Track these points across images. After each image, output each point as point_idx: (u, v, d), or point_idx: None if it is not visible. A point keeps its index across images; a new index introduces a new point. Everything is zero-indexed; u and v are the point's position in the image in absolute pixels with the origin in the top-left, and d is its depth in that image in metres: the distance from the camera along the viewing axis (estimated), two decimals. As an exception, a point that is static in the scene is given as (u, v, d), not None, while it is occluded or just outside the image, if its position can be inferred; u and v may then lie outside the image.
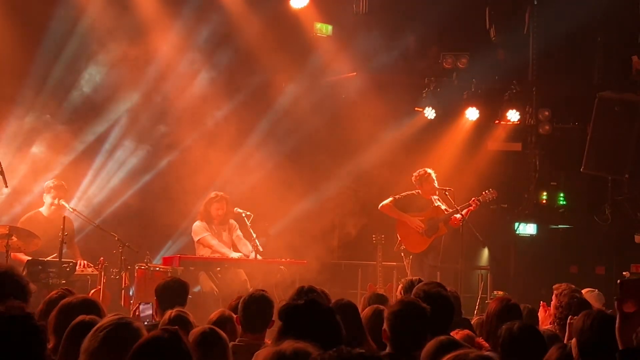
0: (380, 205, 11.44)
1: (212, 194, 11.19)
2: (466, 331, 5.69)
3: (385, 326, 4.65)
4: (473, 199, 11.35)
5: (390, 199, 11.37)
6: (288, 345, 2.99)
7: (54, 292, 5.57)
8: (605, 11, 13.97)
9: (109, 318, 3.76)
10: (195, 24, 12.65)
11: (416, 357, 4.12)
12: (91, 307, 4.63)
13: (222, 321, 5.47)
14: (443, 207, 11.35)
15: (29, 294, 4.82)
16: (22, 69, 11.58)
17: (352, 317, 5.17)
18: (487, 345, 5.45)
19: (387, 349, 4.61)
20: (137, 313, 6.30)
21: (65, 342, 4.09)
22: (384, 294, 7.45)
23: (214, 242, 10.95)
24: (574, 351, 4.35)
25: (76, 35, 11.87)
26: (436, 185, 11.32)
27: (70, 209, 10.51)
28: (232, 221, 11.24)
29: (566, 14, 13.87)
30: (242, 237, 11.13)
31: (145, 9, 12.21)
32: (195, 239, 11.11)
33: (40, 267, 9.52)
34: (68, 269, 9.74)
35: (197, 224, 11.13)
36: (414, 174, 11.44)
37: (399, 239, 11.34)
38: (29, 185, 11.58)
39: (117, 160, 12.60)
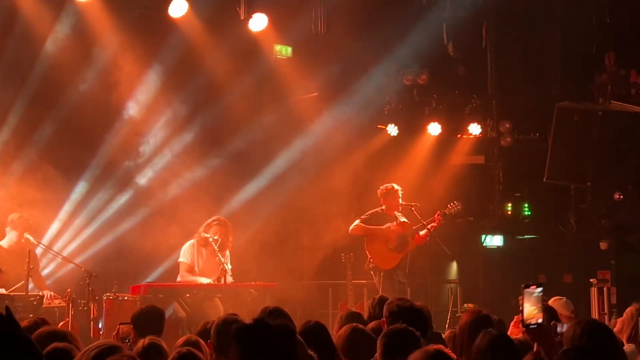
0: (350, 228, 11.44)
1: (214, 218, 11.04)
2: (439, 346, 5.70)
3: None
4: (437, 212, 11.42)
5: (357, 221, 11.40)
6: None
7: (25, 321, 5.52)
8: (561, 22, 14.20)
9: (97, 342, 3.76)
10: (153, 49, 12.61)
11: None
12: (65, 337, 4.59)
13: (189, 346, 5.43)
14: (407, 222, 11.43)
15: None
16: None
17: (323, 337, 5.16)
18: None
19: None
20: (119, 335, 6.25)
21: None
22: (357, 311, 7.43)
23: (184, 273, 10.83)
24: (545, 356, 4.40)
25: (42, 70, 11.79)
26: (401, 201, 11.38)
27: (36, 242, 10.40)
28: (227, 253, 10.99)
29: (522, 27, 14.08)
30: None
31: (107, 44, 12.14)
32: (179, 259, 11.02)
33: (7, 301, 9.38)
34: (35, 302, 9.62)
35: (186, 245, 10.99)
36: (380, 188, 11.50)
37: (369, 256, 11.34)
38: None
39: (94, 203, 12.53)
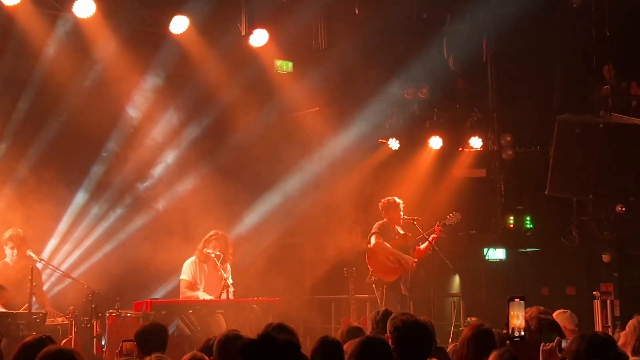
0: (373, 245, 11.28)
1: (212, 232, 10.98)
2: (442, 360, 5.70)
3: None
4: (437, 223, 11.42)
5: (374, 237, 11.29)
6: None
7: (29, 337, 5.52)
8: (561, 34, 14.23)
9: None
10: (151, 65, 12.66)
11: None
12: (72, 355, 4.59)
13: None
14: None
15: None
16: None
17: (337, 356, 5.12)
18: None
19: None
20: (123, 352, 6.24)
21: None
22: (359, 326, 7.41)
23: (184, 289, 10.80)
24: None
25: (39, 85, 11.82)
26: (402, 215, 11.38)
27: (38, 259, 10.40)
28: (228, 266, 10.93)
29: (522, 40, 14.11)
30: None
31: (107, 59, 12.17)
32: (180, 276, 11.00)
33: (9, 319, 9.39)
34: (38, 320, 9.61)
35: (187, 262, 10.94)
36: (382, 201, 11.51)
37: (371, 269, 11.32)
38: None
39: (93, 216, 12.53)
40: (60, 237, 12.17)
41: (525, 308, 6.75)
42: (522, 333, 4.43)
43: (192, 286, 10.81)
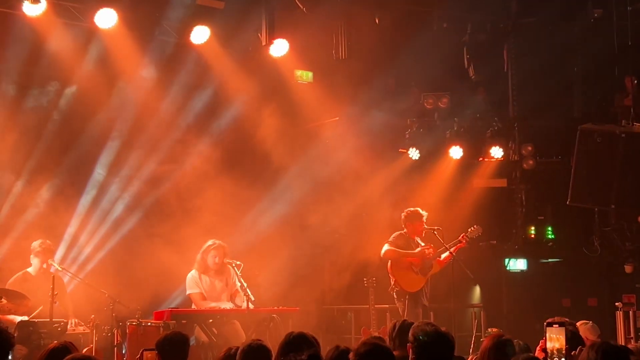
0: (382, 252, 11.26)
1: (210, 242, 10.99)
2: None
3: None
4: (462, 234, 11.39)
5: (387, 245, 11.27)
6: None
7: (54, 343, 5.56)
8: (582, 44, 14.17)
9: None
10: (172, 73, 12.75)
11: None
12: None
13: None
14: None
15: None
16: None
17: None
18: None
19: None
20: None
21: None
22: (380, 336, 7.39)
23: (201, 302, 10.77)
24: None
25: (48, 78, 11.96)
26: (425, 226, 11.35)
27: (60, 268, 10.47)
28: (232, 271, 10.88)
29: (543, 49, 14.06)
30: (239, 288, 10.70)
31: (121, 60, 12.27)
32: (187, 292, 11.00)
33: (31, 328, 9.44)
34: (59, 329, 9.65)
35: (190, 277, 10.96)
36: (405, 211, 11.46)
37: (393, 279, 11.27)
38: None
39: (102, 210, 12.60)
40: (75, 244, 12.28)
41: (547, 319, 6.73)
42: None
43: (204, 297, 10.81)
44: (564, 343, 4.45)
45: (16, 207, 11.86)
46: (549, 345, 4.45)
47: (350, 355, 4.71)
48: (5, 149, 11.75)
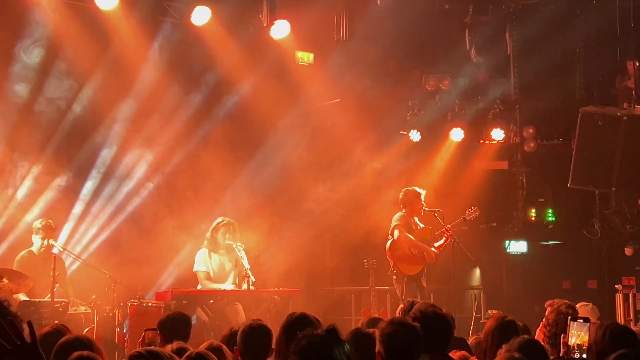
0: (397, 237, 11.10)
1: (219, 219, 10.96)
2: (462, 352, 5.70)
3: (378, 348, 4.61)
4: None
5: (398, 230, 11.13)
6: None
7: (46, 327, 5.55)
8: (584, 26, 14.13)
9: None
10: (175, 56, 12.72)
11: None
12: (87, 345, 4.61)
13: (211, 351, 5.44)
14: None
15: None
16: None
17: (370, 348, 5.08)
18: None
19: None
20: (145, 341, 6.27)
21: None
22: (380, 317, 7.40)
23: (205, 281, 10.82)
24: None
25: (54, 68, 11.93)
26: (424, 206, 11.34)
27: (60, 248, 10.50)
28: (239, 248, 10.70)
29: (545, 32, 14.01)
30: (249, 271, 10.52)
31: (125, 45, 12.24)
32: (194, 269, 11.01)
33: (32, 308, 9.48)
34: (61, 309, 9.69)
35: (199, 254, 10.94)
36: (403, 191, 11.43)
37: (391, 262, 11.26)
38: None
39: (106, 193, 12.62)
40: (78, 224, 12.29)
41: (547, 301, 6.76)
42: (584, 356, 4.47)
43: (209, 277, 10.83)
44: (586, 340, 4.50)
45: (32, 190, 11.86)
46: (570, 340, 4.50)
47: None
48: (21, 135, 11.77)
